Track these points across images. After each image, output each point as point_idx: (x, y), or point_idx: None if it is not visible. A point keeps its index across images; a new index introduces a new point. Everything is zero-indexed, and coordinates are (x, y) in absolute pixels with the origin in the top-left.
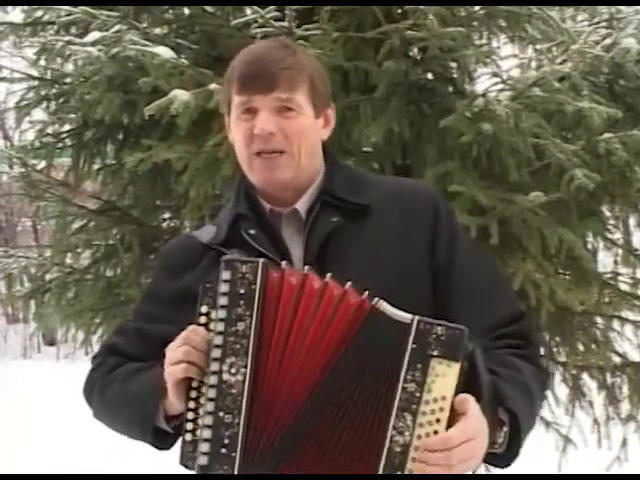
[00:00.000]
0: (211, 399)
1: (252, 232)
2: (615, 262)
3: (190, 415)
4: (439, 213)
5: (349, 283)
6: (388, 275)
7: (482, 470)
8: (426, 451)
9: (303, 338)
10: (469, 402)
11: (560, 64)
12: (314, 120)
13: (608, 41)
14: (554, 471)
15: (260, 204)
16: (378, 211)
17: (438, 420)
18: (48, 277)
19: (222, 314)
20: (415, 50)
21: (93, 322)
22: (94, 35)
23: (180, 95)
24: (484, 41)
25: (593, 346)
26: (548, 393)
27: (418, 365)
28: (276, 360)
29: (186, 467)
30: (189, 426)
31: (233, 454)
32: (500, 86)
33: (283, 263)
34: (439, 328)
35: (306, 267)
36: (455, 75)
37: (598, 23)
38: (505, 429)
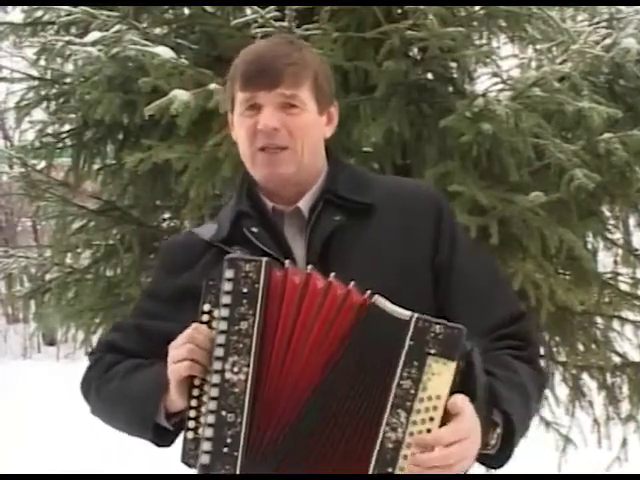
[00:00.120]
0: (214, 398)
1: (254, 230)
2: (615, 262)
3: (192, 413)
4: (442, 212)
5: (352, 283)
6: (389, 275)
7: (482, 470)
8: (418, 450)
9: (306, 337)
10: (463, 403)
11: (560, 64)
12: (317, 117)
13: (608, 41)
14: (554, 471)
15: (263, 202)
16: (380, 210)
17: (432, 419)
18: (48, 277)
19: (225, 313)
20: (415, 50)
21: (93, 322)
22: (94, 35)
23: (180, 95)
24: (484, 41)
25: (593, 346)
26: (547, 393)
27: (415, 362)
28: (279, 359)
29: (187, 465)
30: (191, 424)
31: (235, 453)
32: (500, 86)
33: (286, 262)
34: (437, 326)
35: (309, 266)
36: (455, 75)
37: (598, 23)
38: (498, 430)
